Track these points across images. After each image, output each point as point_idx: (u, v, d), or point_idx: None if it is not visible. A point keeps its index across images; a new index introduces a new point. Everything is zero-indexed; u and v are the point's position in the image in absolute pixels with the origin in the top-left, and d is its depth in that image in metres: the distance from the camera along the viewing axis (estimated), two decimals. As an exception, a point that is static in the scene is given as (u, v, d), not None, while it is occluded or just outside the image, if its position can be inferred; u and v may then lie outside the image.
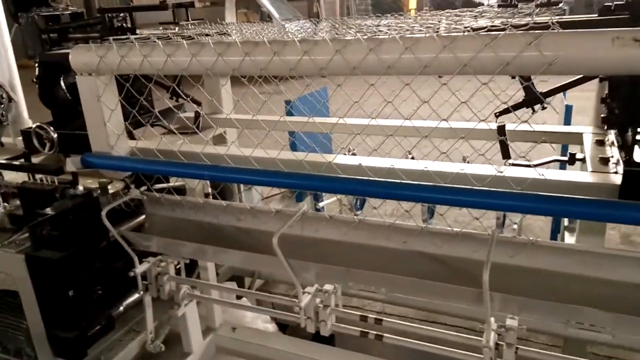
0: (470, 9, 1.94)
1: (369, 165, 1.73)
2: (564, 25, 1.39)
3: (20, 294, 2.05)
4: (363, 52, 1.49)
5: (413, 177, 1.63)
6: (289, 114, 3.70)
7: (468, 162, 3.27)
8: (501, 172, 1.50)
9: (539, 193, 1.42)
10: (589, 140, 1.94)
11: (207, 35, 2.14)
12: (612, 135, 1.84)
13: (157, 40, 1.82)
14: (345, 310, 1.87)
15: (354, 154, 4.23)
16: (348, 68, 1.53)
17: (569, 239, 2.58)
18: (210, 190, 2.43)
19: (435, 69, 1.43)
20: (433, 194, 1.55)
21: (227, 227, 2.07)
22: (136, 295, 2.29)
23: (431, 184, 1.54)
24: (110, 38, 2.01)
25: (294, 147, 3.87)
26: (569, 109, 2.82)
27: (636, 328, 1.37)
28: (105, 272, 2.10)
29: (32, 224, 1.91)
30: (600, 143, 1.87)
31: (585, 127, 2.10)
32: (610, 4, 1.59)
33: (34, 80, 2.62)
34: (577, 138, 2.05)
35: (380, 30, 1.63)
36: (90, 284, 2.03)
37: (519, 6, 1.66)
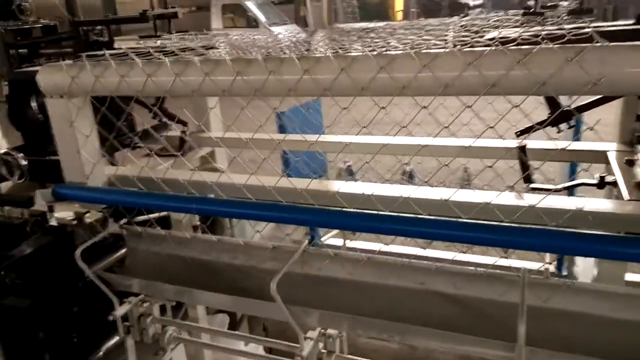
0: (487, 16, 1.76)
1: (378, 195, 1.53)
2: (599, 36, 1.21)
3: (-15, 344, 1.82)
4: (373, 71, 1.30)
5: (429, 208, 1.43)
6: (281, 125, 3.50)
7: (467, 173, 3.08)
8: (533, 206, 1.31)
9: (575, 231, 1.23)
10: (615, 159, 1.76)
11: (191, 49, 1.94)
12: (644, 155, 1.67)
13: (135, 58, 1.60)
14: (352, 357, 1.67)
15: (349, 167, 4.07)
16: (355, 88, 1.34)
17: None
18: (198, 222, 2.21)
19: (458, 89, 1.24)
20: (457, 231, 1.36)
21: (218, 265, 1.85)
22: (118, 338, 2.06)
23: (454, 219, 1.34)
24: (83, 55, 1.80)
25: (286, 162, 3.68)
26: (578, 124, 2.65)
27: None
28: (82, 316, 1.88)
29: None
30: (630, 163, 1.69)
31: (607, 143, 1.92)
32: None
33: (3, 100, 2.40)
34: (600, 157, 1.87)
35: (390, 44, 1.44)
36: (64, 331, 1.81)
37: (545, 14, 1.48)
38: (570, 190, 1.99)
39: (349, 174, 4.04)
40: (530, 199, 1.40)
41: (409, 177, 3.65)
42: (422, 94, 1.30)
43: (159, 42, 2.17)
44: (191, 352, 2.17)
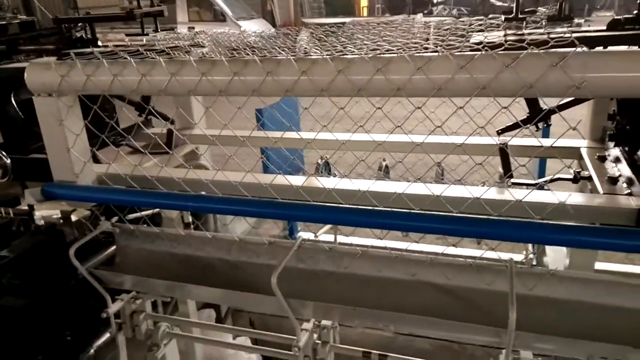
0: (471, 19, 1.84)
1: (373, 191, 1.60)
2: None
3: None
4: (369, 73, 1.36)
5: (424, 203, 1.51)
6: (262, 122, 3.53)
7: (442, 170, 3.20)
8: (520, 200, 1.40)
9: (563, 223, 1.33)
10: (587, 156, 1.88)
11: (177, 47, 1.95)
12: (615, 151, 1.79)
13: (128, 57, 1.61)
14: (346, 346, 1.74)
15: (327, 163, 4.12)
16: (352, 89, 1.39)
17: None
18: (190, 219, 2.23)
19: (450, 91, 1.31)
20: (442, 224, 1.44)
21: (211, 260, 1.88)
22: (108, 334, 2.07)
23: (446, 213, 1.42)
24: (72, 52, 1.79)
25: (266, 156, 3.71)
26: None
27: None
28: (75, 314, 1.88)
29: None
30: (602, 159, 1.81)
31: (579, 140, 2.05)
32: (619, 17, 1.52)
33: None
34: (574, 153, 1.99)
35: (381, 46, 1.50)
36: (58, 329, 1.81)
37: (526, 19, 1.57)
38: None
39: (327, 169, 4.11)
40: (513, 194, 1.49)
41: (385, 172, 3.75)
42: (417, 95, 1.36)
43: (145, 40, 2.16)
44: (182, 347, 2.20)
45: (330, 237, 2.03)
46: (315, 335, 1.73)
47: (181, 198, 1.71)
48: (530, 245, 2.07)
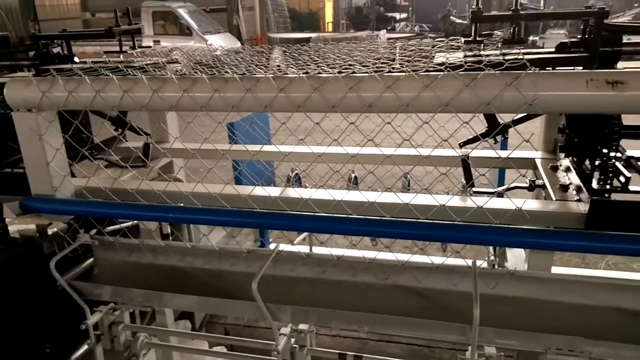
0: (435, 39, 1.98)
1: (348, 201, 1.70)
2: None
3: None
4: (342, 91, 1.46)
5: (393, 211, 1.62)
6: (232, 136, 3.60)
7: (409, 180, 3.34)
8: (481, 207, 1.53)
9: (520, 227, 1.47)
10: (541, 166, 2.04)
11: (156, 64, 2.02)
12: (565, 161, 1.95)
13: (110, 74, 1.68)
14: (322, 349, 1.82)
15: (298, 177, 4.22)
16: (327, 106, 1.50)
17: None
18: (169, 230, 2.28)
19: (416, 107, 1.43)
20: (412, 230, 1.55)
21: (192, 270, 1.94)
22: (86, 346, 2.09)
23: (413, 220, 1.54)
24: (52, 69, 1.83)
25: (237, 169, 3.78)
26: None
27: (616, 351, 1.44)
28: (54, 326, 1.90)
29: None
30: (554, 169, 1.98)
31: (533, 152, 2.21)
32: (566, 40, 1.69)
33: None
34: (529, 163, 2.15)
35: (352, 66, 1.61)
36: (37, 342, 1.83)
37: (483, 42, 1.72)
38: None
39: (297, 182, 4.21)
40: (475, 201, 1.62)
41: (354, 184, 3.88)
42: (386, 111, 1.47)
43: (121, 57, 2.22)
44: (159, 357, 2.23)
45: (304, 247, 2.12)
46: (292, 340, 1.81)
47: (161, 209, 1.77)
48: (491, 250, 2.21)
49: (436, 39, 2.02)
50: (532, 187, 1.91)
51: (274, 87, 1.54)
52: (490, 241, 1.53)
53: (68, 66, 1.97)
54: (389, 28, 24.89)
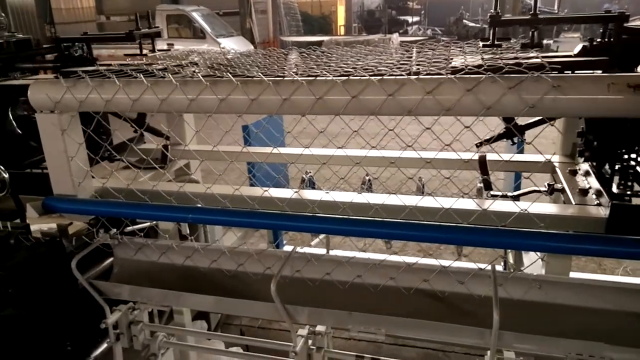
0: (453, 44, 1.98)
1: (354, 203, 1.71)
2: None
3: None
4: (383, 95, 1.45)
5: (407, 214, 1.62)
6: (248, 137, 3.63)
7: (423, 185, 3.34)
8: (486, 209, 1.53)
9: (541, 231, 1.46)
10: (559, 170, 2.03)
11: (179, 66, 2.04)
12: (585, 166, 1.94)
13: (141, 76, 1.70)
14: (339, 351, 1.83)
15: (311, 179, 4.24)
16: (366, 110, 1.48)
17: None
18: (187, 230, 2.30)
19: (457, 111, 1.41)
20: (430, 232, 1.55)
21: (209, 271, 1.96)
22: (105, 345, 2.12)
23: (431, 222, 1.54)
24: (78, 70, 1.86)
25: (251, 171, 3.81)
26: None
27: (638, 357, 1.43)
28: (75, 324, 1.93)
29: (-7, 280, 1.72)
30: (573, 173, 1.97)
31: (550, 155, 2.20)
32: (586, 43, 1.68)
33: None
34: (546, 167, 2.14)
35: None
36: (59, 340, 1.85)
37: (502, 46, 1.72)
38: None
39: (311, 184, 4.23)
40: (493, 204, 1.62)
41: (368, 187, 3.89)
42: (427, 114, 1.45)
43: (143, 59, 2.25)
44: (177, 357, 2.25)
45: (322, 249, 2.13)
46: (310, 341, 1.82)
47: (181, 210, 1.79)
48: (510, 256, 2.21)
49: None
50: (550, 191, 1.90)
51: (309, 92, 1.52)
52: (510, 245, 1.53)
53: (92, 68, 2.00)
54: (401, 31, 24.85)
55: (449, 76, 1.39)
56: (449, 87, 1.39)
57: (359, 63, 1.86)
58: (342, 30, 25.66)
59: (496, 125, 1.88)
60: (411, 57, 1.98)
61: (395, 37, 18.47)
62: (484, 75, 1.38)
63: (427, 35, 22.77)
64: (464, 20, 23.12)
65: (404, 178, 1.99)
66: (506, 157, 2.19)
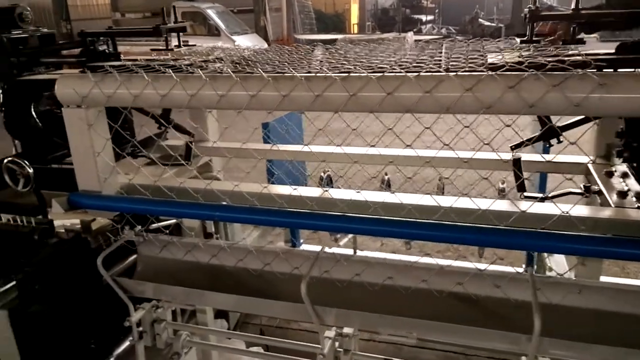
0: (486, 42, 1.93)
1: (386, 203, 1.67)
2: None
3: (-3, 353, 1.82)
4: (420, 92, 1.41)
5: (435, 215, 1.58)
6: (268, 136, 3.60)
7: (443, 184, 3.29)
8: (524, 210, 1.48)
9: (583, 234, 1.41)
10: (596, 171, 1.97)
11: (205, 61, 2.01)
12: (622, 167, 1.88)
13: (170, 71, 1.67)
14: (367, 354, 1.79)
15: (329, 177, 4.21)
16: (403, 108, 1.44)
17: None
18: (213, 229, 2.28)
19: (498, 109, 1.36)
20: (461, 234, 1.51)
21: (233, 269, 1.93)
22: (127, 343, 2.10)
23: (462, 224, 1.49)
24: (107, 66, 1.83)
25: (270, 171, 3.78)
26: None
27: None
28: (99, 322, 1.91)
29: (20, 275, 1.70)
30: (609, 174, 1.91)
31: (584, 157, 2.14)
32: (626, 39, 1.62)
33: (-2, 108, 2.38)
34: (579, 169, 2.09)
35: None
36: (84, 338, 1.84)
37: (540, 42, 1.67)
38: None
39: (329, 183, 4.20)
40: (528, 207, 1.57)
41: (387, 186, 3.85)
42: (465, 113, 1.40)
43: (168, 54, 2.22)
44: (200, 356, 2.23)
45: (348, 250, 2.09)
46: (337, 343, 1.78)
47: (208, 208, 1.76)
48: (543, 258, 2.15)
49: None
50: (587, 193, 1.85)
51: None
52: (552, 248, 1.48)
53: (118, 63, 1.97)
54: (415, 30, 24.69)
55: (489, 73, 1.34)
56: (489, 84, 1.35)
57: (390, 59, 1.82)
58: (355, 29, 25.58)
59: (524, 126, 1.83)
60: (440, 54, 1.93)
61: (410, 36, 18.33)
62: (526, 73, 1.33)
63: (441, 34, 22.62)
64: (480, 20, 22.91)
65: (420, 177, 1.95)
66: (535, 158, 2.13)
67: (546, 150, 3.02)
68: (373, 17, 27.59)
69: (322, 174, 4.34)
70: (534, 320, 1.34)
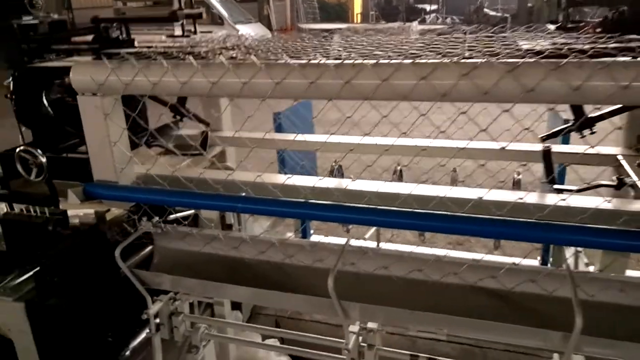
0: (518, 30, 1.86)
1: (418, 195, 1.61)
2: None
3: (15, 344, 1.78)
4: (455, 78, 1.35)
5: (464, 206, 1.53)
6: (278, 126, 3.54)
7: (456, 173, 3.23)
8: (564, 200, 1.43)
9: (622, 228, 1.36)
10: (628, 163, 1.92)
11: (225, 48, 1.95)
12: (654, 159, 1.83)
13: (190, 58, 1.61)
14: (392, 349, 1.75)
15: (340, 168, 4.16)
16: (436, 94, 1.38)
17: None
18: (232, 220, 2.23)
19: (541, 95, 1.29)
20: (493, 227, 1.46)
21: (253, 261, 1.88)
22: (143, 335, 2.05)
23: (495, 217, 1.44)
24: (123, 52, 1.77)
25: (282, 160, 3.73)
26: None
27: None
28: (116, 314, 1.87)
29: (39, 268, 1.66)
30: (641, 166, 1.85)
31: (614, 148, 2.08)
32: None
33: (8, 96, 2.32)
34: (610, 160, 2.03)
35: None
36: (101, 330, 1.79)
37: (577, 29, 1.61)
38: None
39: (340, 173, 4.15)
40: (563, 199, 1.52)
41: (399, 177, 3.79)
42: (505, 99, 1.34)
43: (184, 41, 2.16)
44: (217, 348, 2.19)
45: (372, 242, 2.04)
46: (360, 338, 1.74)
47: (229, 199, 1.71)
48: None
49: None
50: (620, 186, 1.79)
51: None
52: (590, 243, 1.42)
53: (133, 49, 1.91)
54: (419, 20, 24.48)
55: (533, 59, 1.28)
56: (531, 69, 1.29)
57: (418, 44, 1.76)
58: (359, 18, 25.39)
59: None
60: (465, 41, 1.87)
61: (415, 25, 18.13)
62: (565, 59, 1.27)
63: (446, 24, 22.41)
64: (485, 9, 22.71)
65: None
66: (563, 149, 2.07)
67: (565, 142, 2.96)
68: (376, 7, 27.35)
69: (332, 164, 4.29)
70: (575, 317, 1.29)
